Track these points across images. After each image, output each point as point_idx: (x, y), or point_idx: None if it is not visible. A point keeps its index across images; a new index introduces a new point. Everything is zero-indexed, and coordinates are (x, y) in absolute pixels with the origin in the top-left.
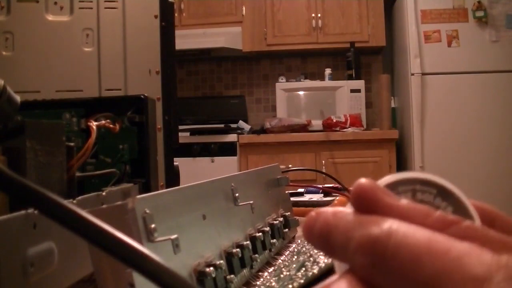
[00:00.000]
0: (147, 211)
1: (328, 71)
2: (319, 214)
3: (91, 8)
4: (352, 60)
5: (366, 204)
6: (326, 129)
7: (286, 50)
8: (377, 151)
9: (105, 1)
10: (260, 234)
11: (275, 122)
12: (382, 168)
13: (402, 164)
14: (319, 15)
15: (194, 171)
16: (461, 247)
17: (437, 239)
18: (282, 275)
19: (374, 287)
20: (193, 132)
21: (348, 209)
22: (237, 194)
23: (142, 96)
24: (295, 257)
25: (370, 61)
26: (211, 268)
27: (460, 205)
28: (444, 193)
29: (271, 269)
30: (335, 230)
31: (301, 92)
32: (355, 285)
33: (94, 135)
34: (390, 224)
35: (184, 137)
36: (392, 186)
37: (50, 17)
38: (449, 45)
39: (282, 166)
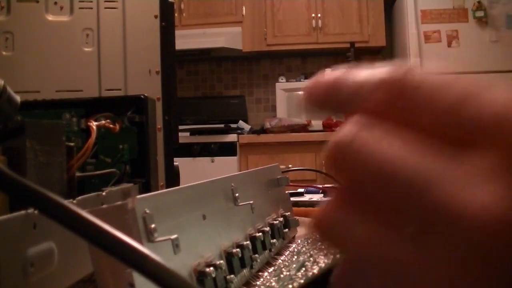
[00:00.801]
0: (147, 211)
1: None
2: (325, 75)
3: (91, 8)
4: (352, 60)
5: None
6: (326, 129)
7: (286, 50)
8: None
9: (105, 1)
10: (260, 234)
11: (275, 122)
12: None
13: None
14: (319, 15)
15: (194, 171)
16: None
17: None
18: (282, 275)
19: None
20: (193, 132)
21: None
22: (237, 194)
23: (142, 96)
24: (295, 257)
25: (370, 61)
26: (211, 268)
27: None
28: None
29: (271, 269)
30: (346, 81)
31: (301, 92)
32: (368, 122)
33: (94, 135)
34: (407, 67)
35: (184, 137)
36: None
37: (50, 17)
38: (449, 45)
39: (282, 166)
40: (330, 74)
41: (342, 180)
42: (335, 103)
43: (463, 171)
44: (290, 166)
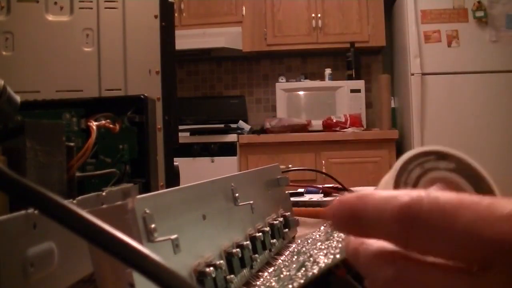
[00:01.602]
0: (147, 211)
1: (328, 71)
2: (343, 201)
3: (91, 8)
4: (352, 60)
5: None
6: (326, 129)
7: (286, 50)
8: (377, 151)
9: (105, 1)
10: (260, 234)
11: (275, 122)
12: (382, 168)
13: None
14: (319, 15)
15: (194, 171)
16: (488, 199)
17: (465, 197)
18: (282, 275)
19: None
20: (193, 132)
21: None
22: (237, 194)
23: (142, 96)
24: (295, 257)
25: (370, 61)
26: (211, 268)
27: (461, 162)
28: (443, 156)
29: (271, 269)
30: (365, 210)
31: (301, 92)
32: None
33: (94, 135)
34: (419, 192)
35: (184, 137)
36: (403, 168)
37: (50, 17)
38: (449, 45)
39: (282, 166)
40: (350, 198)
41: None
42: (358, 228)
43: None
44: (290, 166)
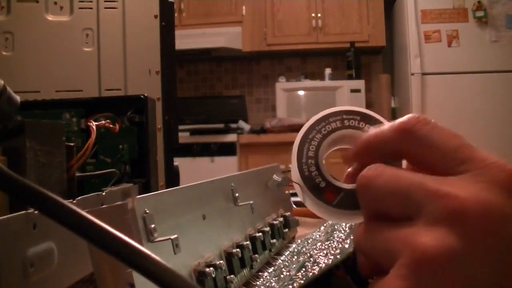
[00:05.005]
0: (147, 211)
1: (328, 71)
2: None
3: (91, 8)
4: (352, 60)
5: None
6: None
7: (286, 50)
8: None
9: (105, 1)
10: (260, 234)
11: (275, 122)
12: None
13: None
14: (319, 15)
15: (194, 171)
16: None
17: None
18: (282, 275)
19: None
20: (193, 132)
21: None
22: (237, 194)
23: (142, 96)
24: (295, 257)
25: (370, 61)
26: (211, 268)
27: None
28: (365, 118)
29: (271, 269)
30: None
31: (301, 92)
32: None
33: (94, 135)
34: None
35: (184, 137)
36: (324, 118)
37: (50, 17)
38: (449, 45)
39: (282, 166)
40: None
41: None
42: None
43: (447, 183)
44: (290, 166)
